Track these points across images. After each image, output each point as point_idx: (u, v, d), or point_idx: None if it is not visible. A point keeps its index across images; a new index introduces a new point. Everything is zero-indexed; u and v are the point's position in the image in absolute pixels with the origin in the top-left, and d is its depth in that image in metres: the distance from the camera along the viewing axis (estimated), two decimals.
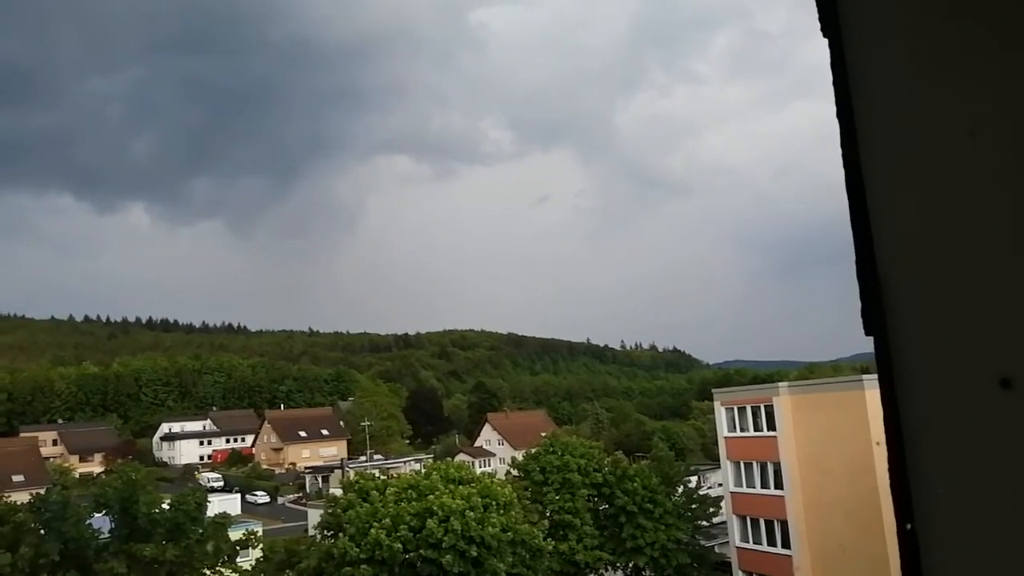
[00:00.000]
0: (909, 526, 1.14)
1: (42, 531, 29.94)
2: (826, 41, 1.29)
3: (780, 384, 43.82)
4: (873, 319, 1.20)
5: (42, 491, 34.41)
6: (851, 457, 33.85)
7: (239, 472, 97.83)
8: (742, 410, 43.30)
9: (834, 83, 1.25)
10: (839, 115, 1.25)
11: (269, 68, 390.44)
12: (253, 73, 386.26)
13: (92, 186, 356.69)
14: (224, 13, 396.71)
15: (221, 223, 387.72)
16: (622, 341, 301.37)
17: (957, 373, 1.12)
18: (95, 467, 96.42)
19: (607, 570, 42.13)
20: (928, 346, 1.16)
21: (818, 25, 1.29)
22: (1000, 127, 1.12)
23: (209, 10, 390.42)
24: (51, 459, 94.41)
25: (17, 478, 65.36)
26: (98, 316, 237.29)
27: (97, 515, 31.73)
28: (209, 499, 36.74)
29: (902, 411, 1.16)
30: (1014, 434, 1.06)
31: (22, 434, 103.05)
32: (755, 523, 41.86)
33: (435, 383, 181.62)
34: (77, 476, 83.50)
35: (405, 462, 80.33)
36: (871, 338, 1.22)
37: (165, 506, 32.53)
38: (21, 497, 33.23)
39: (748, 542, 42.11)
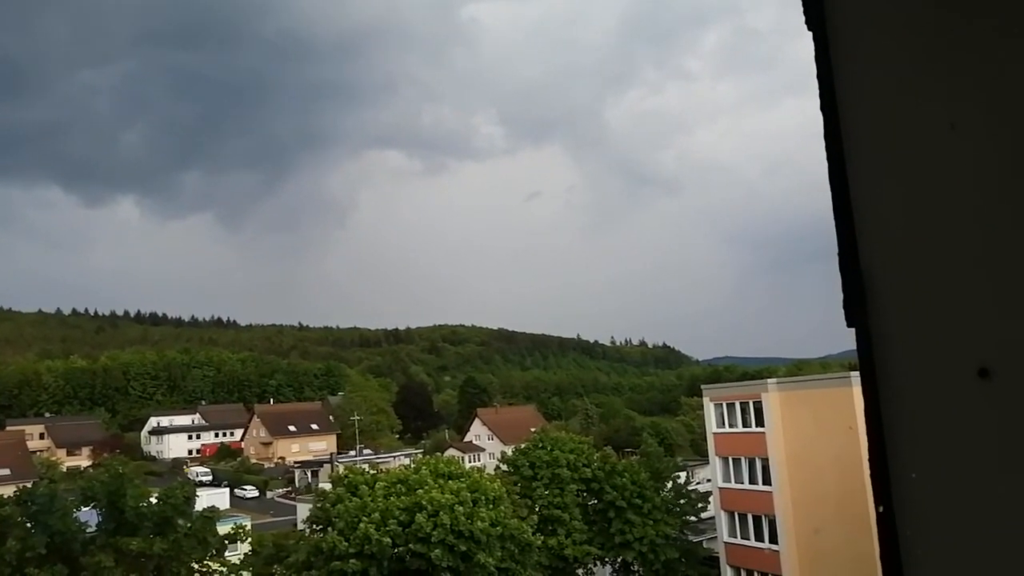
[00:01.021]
0: (882, 508, 1.16)
1: (29, 524, 29.80)
2: (813, 36, 1.30)
3: (769, 380, 44.05)
4: (855, 310, 1.22)
5: (29, 485, 34.23)
6: (839, 453, 34.06)
7: (228, 466, 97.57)
8: (731, 406, 43.50)
9: (818, 76, 1.27)
10: (823, 107, 1.26)
11: (261, 62, 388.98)
12: (244, 67, 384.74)
13: (81, 179, 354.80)
14: (216, 6, 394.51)
15: (211, 217, 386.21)
16: (612, 337, 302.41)
17: (936, 362, 1.14)
18: (83, 461, 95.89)
19: (596, 565, 42.31)
20: (908, 336, 1.17)
21: (803, 16, 1.30)
22: (981, 120, 1.13)
23: (200, 3, 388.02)
24: (38, 453, 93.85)
25: (3, 472, 64.97)
26: (86, 309, 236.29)
27: (84, 509, 31.61)
28: (197, 493, 36.68)
29: (882, 398, 1.18)
30: (991, 422, 1.08)
31: (9, 427, 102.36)
32: (743, 518, 42.10)
33: (425, 378, 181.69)
34: (64, 470, 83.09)
35: (394, 457, 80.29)
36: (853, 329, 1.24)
37: (153, 500, 32.43)
38: (7, 491, 33.02)
39: (736, 537, 42.35)
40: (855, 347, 1.24)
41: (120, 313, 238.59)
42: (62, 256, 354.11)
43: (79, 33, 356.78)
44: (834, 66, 1.25)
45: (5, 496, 31.09)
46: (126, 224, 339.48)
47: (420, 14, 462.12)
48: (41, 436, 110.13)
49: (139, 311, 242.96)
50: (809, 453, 37.87)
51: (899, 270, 1.19)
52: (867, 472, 1.20)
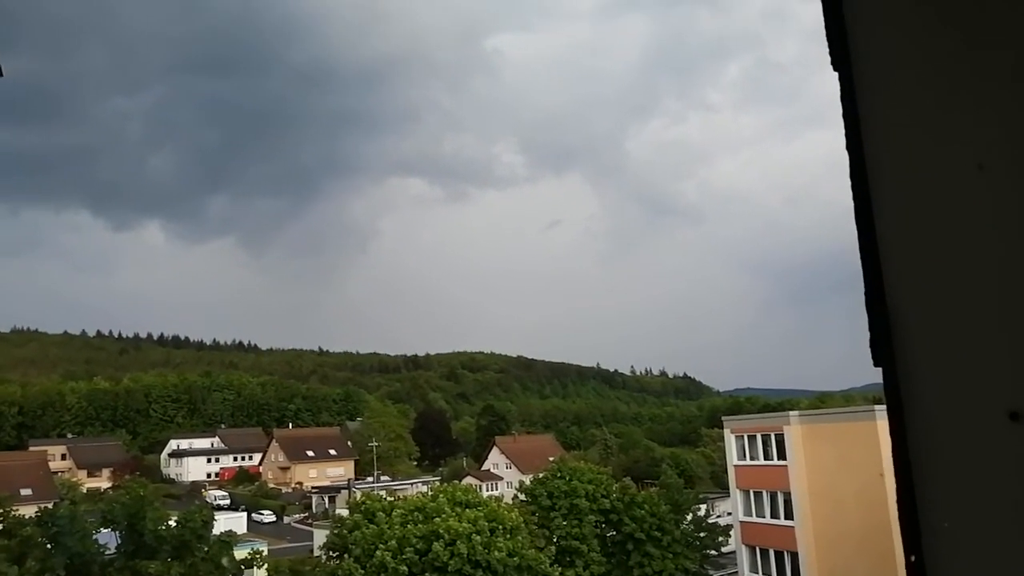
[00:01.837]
0: (914, 558, 1.14)
1: (49, 545, 29.93)
2: (837, 73, 1.31)
3: (791, 413, 43.47)
4: (882, 350, 1.21)
5: (50, 505, 34.46)
6: (863, 488, 33.43)
7: (246, 490, 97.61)
8: (752, 438, 42.93)
9: (844, 116, 1.27)
10: (849, 147, 1.26)
11: (286, 90, 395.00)
12: (270, 94, 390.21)
13: (109, 203, 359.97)
14: (244, 35, 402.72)
15: (235, 241, 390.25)
16: (632, 366, 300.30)
17: (966, 406, 1.12)
18: (103, 482, 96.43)
19: None
20: (937, 378, 1.16)
21: (829, 56, 1.31)
22: (1009, 161, 1.12)
23: (229, 32, 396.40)
24: (59, 473, 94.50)
25: (25, 492, 65.29)
26: (110, 331, 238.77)
27: (104, 531, 31.71)
28: (215, 517, 36.63)
29: (911, 442, 1.16)
30: (1023, 468, 1.06)
31: (31, 448, 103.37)
32: (764, 553, 41.32)
33: (443, 405, 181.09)
34: (85, 491, 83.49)
35: (412, 484, 80.00)
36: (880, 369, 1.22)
37: (172, 523, 32.46)
38: (29, 511, 33.26)
39: (757, 573, 41.53)
40: (879, 380, 1.23)
41: (143, 336, 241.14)
42: (88, 279, 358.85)
43: (113, 61, 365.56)
44: (860, 106, 1.26)
45: (27, 516, 31.29)
46: (151, 248, 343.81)
47: (444, 44, 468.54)
48: (63, 457, 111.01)
49: (162, 334, 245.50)
50: (832, 488, 37.19)
51: (927, 310, 1.18)
52: (892, 510, 1.18)
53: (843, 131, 1.29)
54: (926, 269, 1.18)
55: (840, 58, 1.28)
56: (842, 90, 1.27)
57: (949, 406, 1.14)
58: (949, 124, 1.18)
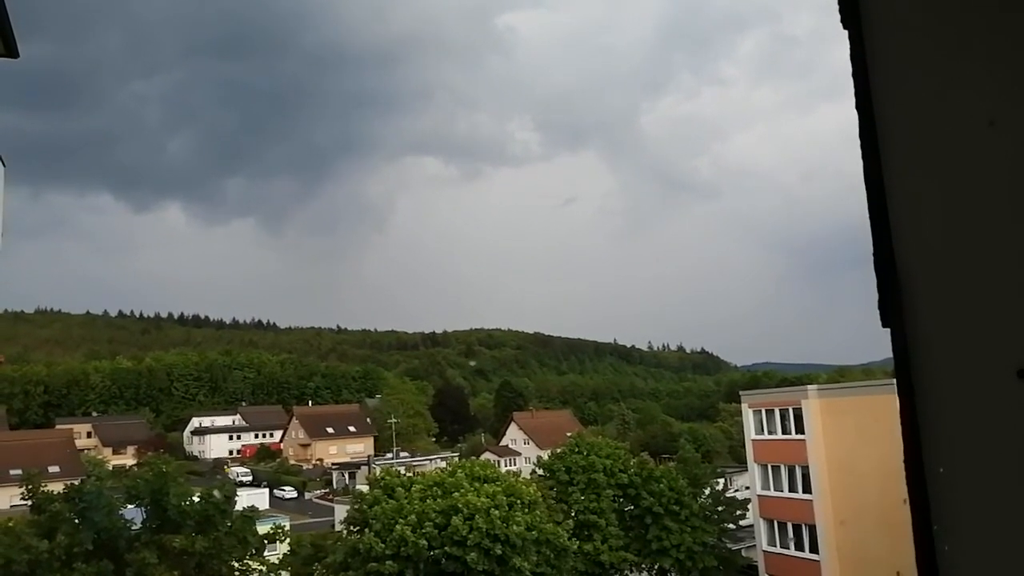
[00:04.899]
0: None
1: (77, 521, 30.49)
2: (848, 35, 1.29)
3: (809, 387, 43.30)
4: (891, 311, 1.20)
5: (77, 482, 35.09)
6: (882, 462, 33.31)
7: (267, 467, 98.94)
8: (770, 413, 42.85)
9: (853, 74, 1.25)
10: (858, 106, 1.25)
11: (302, 71, 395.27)
12: (286, 76, 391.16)
13: (130, 185, 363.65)
14: (260, 18, 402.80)
15: (253, 221, 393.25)
16: (649, 342, 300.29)
17: (974, 364, 1.12)
18: (128, 459, 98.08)
19: (632, 571, 41.93)
20: (946, 337, 1.15)
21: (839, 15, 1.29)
22: (1022, 118, 1.11)
23: (245, 15, 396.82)
24: (85, 451, 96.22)
25: (53, 469, 66.55)
26: (132, 311, 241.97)
27: (129, 506, 32.29)
28: (238, 493, 37.16)
29: (918, 399, 1.16)
30: None
31: (58, 426, 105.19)
32: (782, 527, 41.42)
33: (461, 381, 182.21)
34: (110, 468, 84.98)
35: (431, 460, 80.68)
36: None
37: (195, 499, 32.98)
38: (56, 487, 33.88)
39: (775, 546, 41.68)
40: None
41: (165, 315, 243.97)
42: (110, 260, 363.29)
43: (131, 45, 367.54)
44: (869, 64, 1.24)
45: (55, 493, 31.88)
46: (172, 229, 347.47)
47: (457, 23, 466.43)
48: (88, 435, 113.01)
49: (183, 313, 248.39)
50: (851, 461, 37.12)
51: (936, 270, 1.17)
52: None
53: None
54: (935, 228, 1.17)
55: (849, 14, 1.26)
56: (851, 47, 1.26)
57: (957, 364, 1.14)
58: (960, 81, 1.17)
